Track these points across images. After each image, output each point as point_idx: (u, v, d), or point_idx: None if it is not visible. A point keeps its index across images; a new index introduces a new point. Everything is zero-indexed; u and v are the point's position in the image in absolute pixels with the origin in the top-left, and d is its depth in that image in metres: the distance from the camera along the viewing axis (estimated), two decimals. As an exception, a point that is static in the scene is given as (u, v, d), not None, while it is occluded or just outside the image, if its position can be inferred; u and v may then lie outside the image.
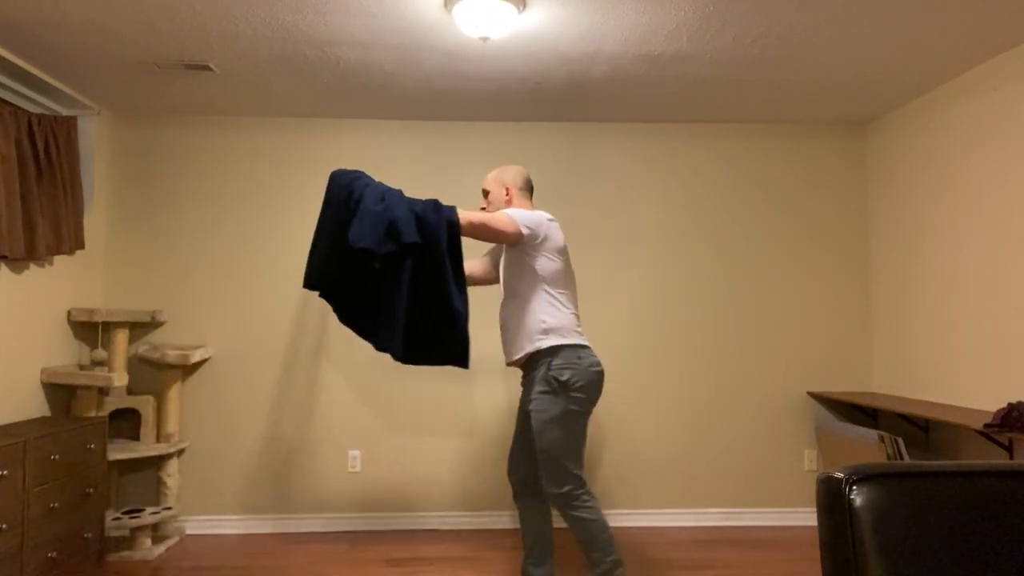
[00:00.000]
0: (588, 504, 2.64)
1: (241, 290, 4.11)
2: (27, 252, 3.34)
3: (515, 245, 2.75)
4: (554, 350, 2.68)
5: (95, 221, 3.97)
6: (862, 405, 3.79)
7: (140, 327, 4.05)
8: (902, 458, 3.34)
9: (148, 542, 3.60)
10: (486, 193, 2.96)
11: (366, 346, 4.11)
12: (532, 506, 2.86)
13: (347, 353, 4.12)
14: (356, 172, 2.67)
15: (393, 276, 2.57)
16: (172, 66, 3.36)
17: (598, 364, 2.72)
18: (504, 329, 2.84)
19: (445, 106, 3.98)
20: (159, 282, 4.09)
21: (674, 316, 4.24)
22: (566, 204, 4.23)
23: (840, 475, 1.24)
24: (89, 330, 3.93)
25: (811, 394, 4.20)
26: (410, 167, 4.21)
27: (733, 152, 4.32)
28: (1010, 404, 2.85)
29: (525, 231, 2.70)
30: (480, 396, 4.15)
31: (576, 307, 2.81)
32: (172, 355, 3.78)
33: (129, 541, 3.61)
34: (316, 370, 4.11)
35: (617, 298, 4.23)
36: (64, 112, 3.77)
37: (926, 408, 3.41)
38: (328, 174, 4.16)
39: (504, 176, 2.94)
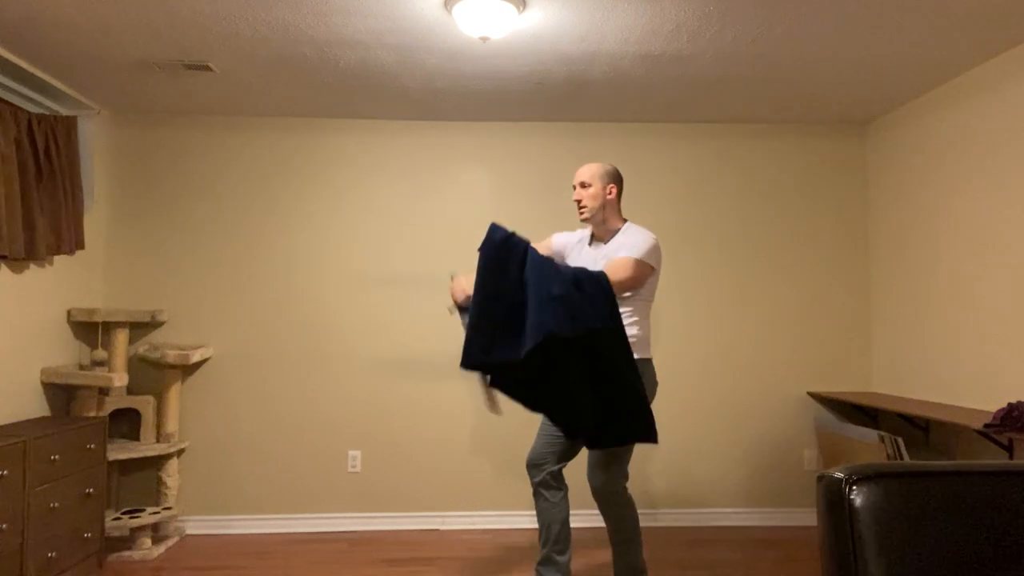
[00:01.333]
0: (631, 500, 2.82)
1: (241, 290, 4.11)
2: (27, 252, 3.34)
3: None
4: (642, 362, 2.72)
5: (95, 221, 3.97)
6: (862, 405, 3.79)
7: (140, 327, 4.05)
8: (902, 458, 3.34)
9: (148, 542, 3.60)
10: (585, 185, 2.83)
11: (366, 347, 4.12)
12: (559, 497, 2.87)
13: (347, 353, 4.12)
14: (509, 237, 2.49)
15: (578, 359, 2.41)
16: (172, 66, 3.36)
17: None
18: None
19: (445, 106, 3.98)
20: (159, 282, 4.09)
21: (674, 316, 4.24)
22: (565, 204, 4.22)
23: (840, 475, 1.24)
24: (89, 330, 3.93)
25: (811, 394, 4.20)
26: (410, 167, 4.21)
27: (733, 152, 4.32)
28: (1010, 404, 2.85)
29: (656, 264, 2.74)
30: (480, 396, 4.14)
31: None
32: (172, 355, 3.78)
33: (129, 541, 3.61)
34: (316, 370, 4.11)
35: (617, 298, 4.22)
36: (64, 112, 3.77)
37: (926, 408, 3.41)
38: (328, 179, 4.17)
39: (608, 173, 2.85)
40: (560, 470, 2.87)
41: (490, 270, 2.43)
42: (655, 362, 4.25)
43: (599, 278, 2.46)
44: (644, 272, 2.69)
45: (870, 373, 4.27)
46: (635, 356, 2.67)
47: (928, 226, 3.77)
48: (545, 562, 2.83)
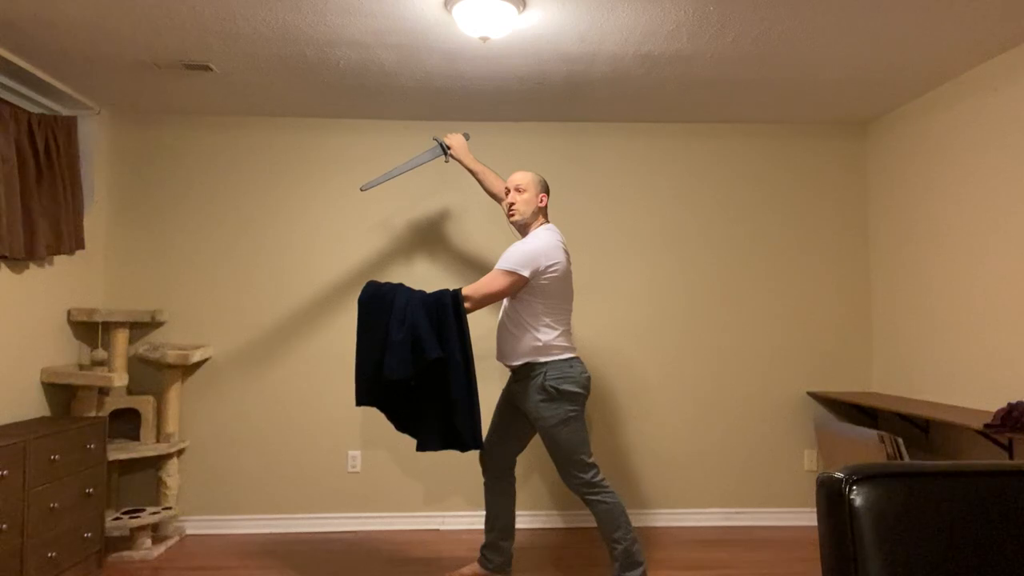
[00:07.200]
0: (608, 488, 2.90)
1: (241, 290, 4.11)
2: (27, 252, 3.34)
3: None
4: (548, 364, 2.89)
5: (95, 221, 3.97)
6: (862, 405, 3.79)
7: (140, 327, 4.05)
8: (902, 458, 3.34)
9: (148, 542, 3.60)
10: (520, 190, 2.99)
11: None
12: (507, 490, 3.15)
13: (347, 353, 4.12)
14: (376, 292, 2.85)
15: (427, 380, 2.83)
16: (172, 66, 3.36)
17: (586, 371, 2.95)
18: (502, 329, 3.02)
19: (445, 106, 3.98)
20: (159, 282, 4.09)
21: (674, 316, 4.24)
22: (565, 204, 4.23)
23: (840, 475, 1.24)
24: (89, 330, 3.93)
25: (811, 394, 4.20)
26: (410, 167, 4.20)
27: (733, 152, 4.32)
28: (1010, 404, 2.85)
29: (527, 272, 2.83)
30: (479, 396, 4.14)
31: (568, 321, 2.98)
32: (172, 355, 3.78)
33: (129, 541, 3.61)
34: (316, 370, 4.11)
35: (615, 298, 4.22)
36: (64, 112, 3.77)
37: (926, 408, 3.41)
38: (328, 179, 4.17)
39: (542, 182, 3.04)
40: (512, 463, 3.15)
41: (363, 324, 2.82)
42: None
43: (447, 302, 2.78)
44: (510, 281, 2.83)
45: (870, 373, 4.27)
46: (545, 359, 2.87)
47: (928, 226, 3.77)
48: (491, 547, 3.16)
